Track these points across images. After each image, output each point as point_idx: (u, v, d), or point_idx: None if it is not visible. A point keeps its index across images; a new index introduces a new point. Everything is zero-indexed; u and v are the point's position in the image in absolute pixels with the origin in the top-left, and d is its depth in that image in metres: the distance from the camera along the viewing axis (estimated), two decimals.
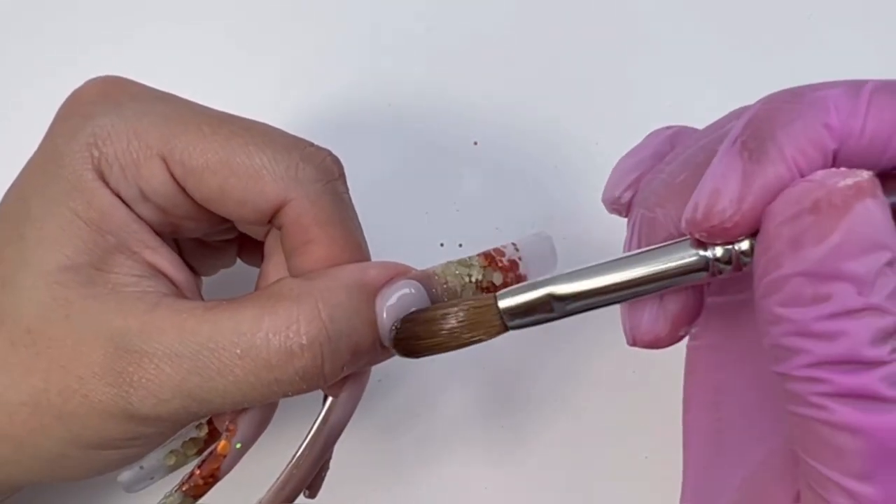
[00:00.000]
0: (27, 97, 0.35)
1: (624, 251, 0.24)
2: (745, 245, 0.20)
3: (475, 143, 0.36)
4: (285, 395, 0.23)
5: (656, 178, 0.23)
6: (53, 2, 0.37)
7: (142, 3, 0.37)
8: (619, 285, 0.21)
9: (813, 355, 0.18)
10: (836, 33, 0.37)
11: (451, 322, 0.22)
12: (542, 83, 0.37)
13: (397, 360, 0.25)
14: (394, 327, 0.23)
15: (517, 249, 0.25)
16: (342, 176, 0.25)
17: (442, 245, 0.35)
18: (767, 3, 0.37)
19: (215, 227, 0.26)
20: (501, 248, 0.25)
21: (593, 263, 0.22)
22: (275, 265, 0.25)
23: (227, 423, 0.25)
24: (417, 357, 0.23)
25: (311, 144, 0.24)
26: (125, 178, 0.23)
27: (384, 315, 0.23)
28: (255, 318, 0.22)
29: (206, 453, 0.25)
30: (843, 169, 0.18)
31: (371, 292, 0.23)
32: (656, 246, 0.21)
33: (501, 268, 0.25)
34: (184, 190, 0.23)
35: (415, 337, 0.23)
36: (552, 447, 0.34)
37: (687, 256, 0.21)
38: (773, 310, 0.18)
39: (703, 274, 0.21)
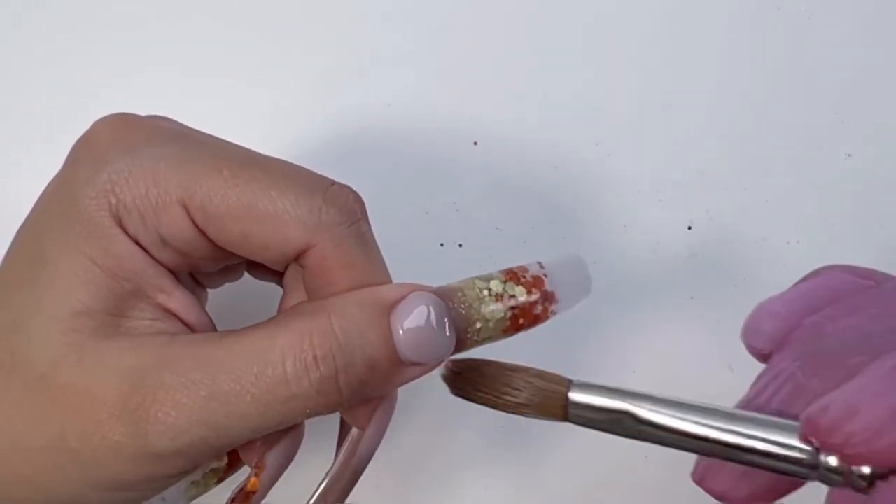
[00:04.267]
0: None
1: (750, 392, 0.21)
2: (865, 470, 0.17)
3: (475, 143, 0.36)
4: (305, 416, 0.23)
5: (827, 336, 0.20)
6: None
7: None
8: (708, 440, 0.19)
9: None
10: (837, 33, 0.37)
11: (512, 392, 0.21)
12: (542, 83, 0.37)
13: None
14: (451, 363, 0.22)
15: (542, 267, 0.25)
16: (364, 214, 0.24)
17: (442, 245, 0.35)
18: (768, 3, 0.37)
19: (234, 262, 0.26)
20: (525, 266, 0.25)
21: (691, 401, 0.19)
22: (296, 301, 0.25)
23: (255, 460, 0.24)
24: (461, 398, 0.23)
25: (333, 183, 0.24)
26: (144, 225, 0.23)
27: (399, 330, 0.23)
28: (270, 337, 0.22)
29: (235, 491, 0.24)
30: None
31: (385, 307, 0.23)
32: (773, 418, 0.19)
33: (524, 283, 0.24)
34: (204, 234, 0.23)
35: (470, 383, 0.22)
36: (551, 447, 0.34)
37: (797, 447, 0.18)
38: None
39: (810, 472, 0.18)
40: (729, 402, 0.34)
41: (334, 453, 0.25)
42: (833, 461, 0.18)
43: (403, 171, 0.36)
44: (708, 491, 0.20)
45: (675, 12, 0.37)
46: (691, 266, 0.35)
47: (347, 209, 0.24)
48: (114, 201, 0.22)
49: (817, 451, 0.18)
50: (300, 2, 0.37)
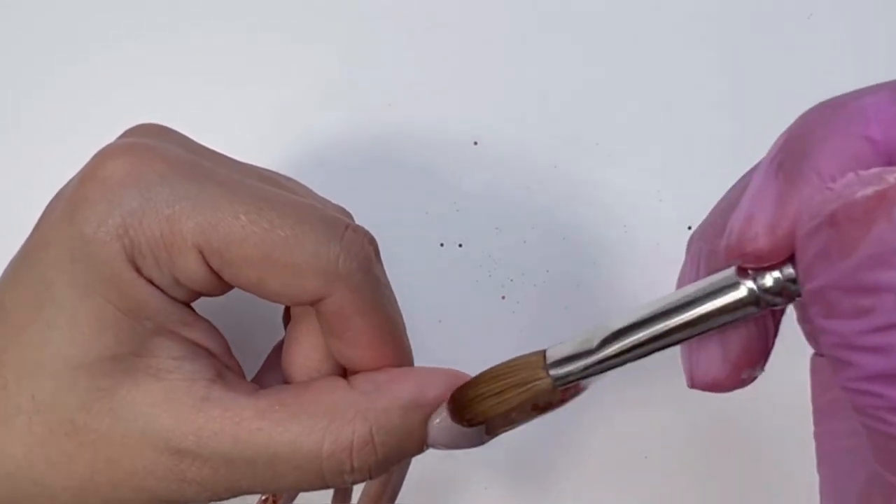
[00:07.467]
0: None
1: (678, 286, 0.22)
2: (790, 270, 0.18)
3: (475, 143, 0.36)
4: None
5: (719, 206, 0.21)
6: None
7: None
8: (661, 331, 0.20)
9: (863, 369, 0.16)
10: (837, 33, 0.37)
11: (499, 382, 0.23)
12: (542, 83, 0.37)
13: None
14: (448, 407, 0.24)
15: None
16: (378, 255, 0.25)
17: (442, 245, 0.35)
18: (767, 3, 0.37)
19: None
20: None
21: (643, 310, 0.20)
22: (307, 332, 0.25)
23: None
24: (475, 425, 0.24)
25: (348, 226, 0.24)
26: (159, 268, 0.22)
27: (435, 422, 0.24)
28: (313, 440, 0.23)
29: None
30: (873, 171, 0.16)
31: (426, 412, 0.24)
32: (699, 283, 0.19)
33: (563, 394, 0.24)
34: (218, 275, 0.23)
35: (467, 406, 0.23)
36: (551, 447, 0.34)
37: (733, 291, 0.19)
38: (817, 321, 0.17)
39: (754, 309, 0.19)
40: (730, 402, 0.34)
41: None
42: (769, 281, 0.18)
43: (403, 171, 0.36)
44: (701, 386, 0.21)
45: (674, 12, 0.37)
46: None
47: (364, 256, 0.24)
48: (127, 243, 0.22)
49: (752, 278, 0.18)
50: (300, 2, 0.37)
